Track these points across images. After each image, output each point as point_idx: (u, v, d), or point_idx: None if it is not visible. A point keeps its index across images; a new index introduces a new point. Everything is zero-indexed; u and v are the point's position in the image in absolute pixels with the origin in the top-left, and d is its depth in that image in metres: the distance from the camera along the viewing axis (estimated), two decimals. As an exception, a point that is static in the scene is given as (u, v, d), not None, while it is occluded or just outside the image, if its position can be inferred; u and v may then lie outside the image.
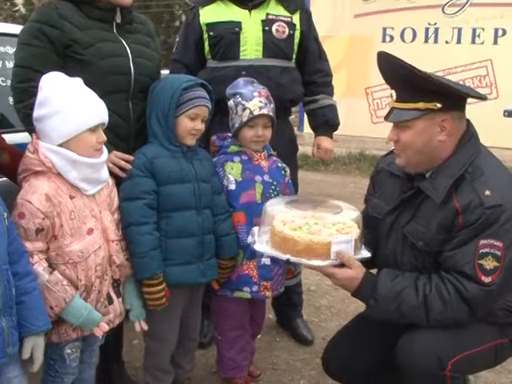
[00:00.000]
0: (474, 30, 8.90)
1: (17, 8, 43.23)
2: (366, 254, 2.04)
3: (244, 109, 2.38)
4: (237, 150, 2.45)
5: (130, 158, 2.22)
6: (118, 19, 2.28)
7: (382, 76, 2.07)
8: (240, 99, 2.39)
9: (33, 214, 1.83)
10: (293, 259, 1.95)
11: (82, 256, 1.91)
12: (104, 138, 1.97)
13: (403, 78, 1.95)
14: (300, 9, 2.95)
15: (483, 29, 8.83)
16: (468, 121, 2.07)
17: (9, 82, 2.69)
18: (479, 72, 8.86)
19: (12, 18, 41.53)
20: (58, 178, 1.91)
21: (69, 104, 1.89)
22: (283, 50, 2.88)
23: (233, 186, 2.41)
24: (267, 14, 2.85)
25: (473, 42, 8.94)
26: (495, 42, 8.81)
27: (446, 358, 1.93)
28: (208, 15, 2.87)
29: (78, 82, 1.97)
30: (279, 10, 2.88)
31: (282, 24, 2.87)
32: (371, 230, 2.19)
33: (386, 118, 2.07)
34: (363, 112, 9.53)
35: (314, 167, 8.47)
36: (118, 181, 2.19)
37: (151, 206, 2.17)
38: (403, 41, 9.40)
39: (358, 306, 3.60)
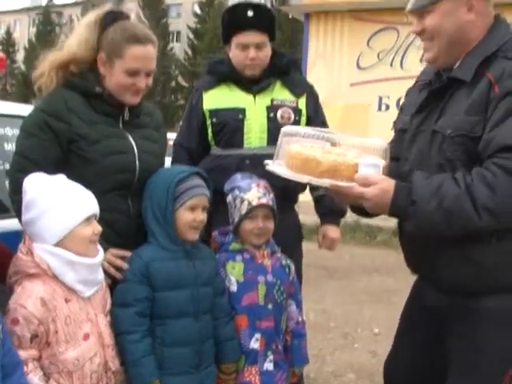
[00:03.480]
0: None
1: (17, 65, 44.09)
2: None
3: (242, 201, 2.27)
4: (239, 248, 2.32)
5: (127, 254, 2.10)
6: (126, 117, 2.19)
7: None
8: (238, 192, 2.30)
9: (28, 320, 1.74)
10: (314, 181, 1.81)
11: (78, 364, 1.81)
12: (100, 228, 1.90)
13: None
14: (306, 92, 2.87)
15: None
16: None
17: (7, 166, 2.64)
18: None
19: (12, 75, 42.36)
20: (52, 281, 1.82)
21: (57, 201, 1.84)
22: None
23: (234, 288, 2.27)
24: (272, 100, 2.78)
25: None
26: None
27: None
28: (211, 101, 2.80)
29: (61, 178, 1.92)
30: (284, 95, 2.81)
31: (288, 110, 2.79)
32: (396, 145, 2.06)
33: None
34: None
35: (307, 237, 8.24)
36: (113, 280, 2.08)
37: (142, 314, 2.03)
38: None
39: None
